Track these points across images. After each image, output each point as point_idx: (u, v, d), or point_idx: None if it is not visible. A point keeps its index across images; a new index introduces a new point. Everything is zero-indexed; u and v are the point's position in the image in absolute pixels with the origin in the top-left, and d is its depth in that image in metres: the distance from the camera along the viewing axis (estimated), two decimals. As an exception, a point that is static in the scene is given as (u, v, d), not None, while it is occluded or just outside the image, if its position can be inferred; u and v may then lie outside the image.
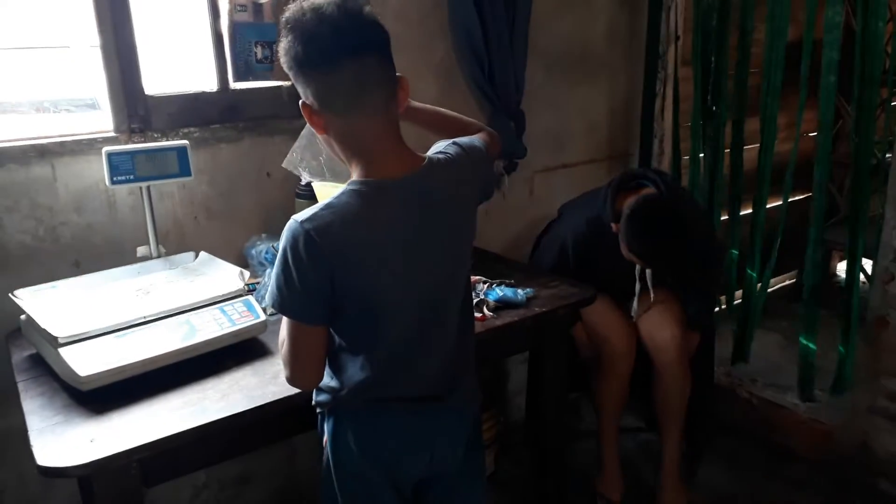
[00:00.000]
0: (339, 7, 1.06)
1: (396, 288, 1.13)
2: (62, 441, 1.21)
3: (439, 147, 1.23)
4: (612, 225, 1.99)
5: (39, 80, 1.77)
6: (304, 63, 1.07)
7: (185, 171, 1.72)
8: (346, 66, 1.05)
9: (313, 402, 1.27)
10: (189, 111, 1.85)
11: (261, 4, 1.85)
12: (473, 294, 1.69)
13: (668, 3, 2.63)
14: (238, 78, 1.88)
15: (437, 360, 1.22)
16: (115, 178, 1.63)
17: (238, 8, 1.82)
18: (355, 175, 1.13)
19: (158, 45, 1.82)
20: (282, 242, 1.09)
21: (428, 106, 1.40)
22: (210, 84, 1.88)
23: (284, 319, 1.15)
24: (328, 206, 1.09)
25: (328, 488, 1.28)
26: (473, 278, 1.78)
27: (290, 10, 1.08)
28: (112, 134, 1.76)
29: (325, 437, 1.27)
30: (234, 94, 1.90)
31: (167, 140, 1.79)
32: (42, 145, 1.67)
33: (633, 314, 2.19)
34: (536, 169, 2.55)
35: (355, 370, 1.19)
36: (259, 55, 1.89)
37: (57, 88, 1.80)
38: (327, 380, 1.23)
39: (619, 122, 2.77)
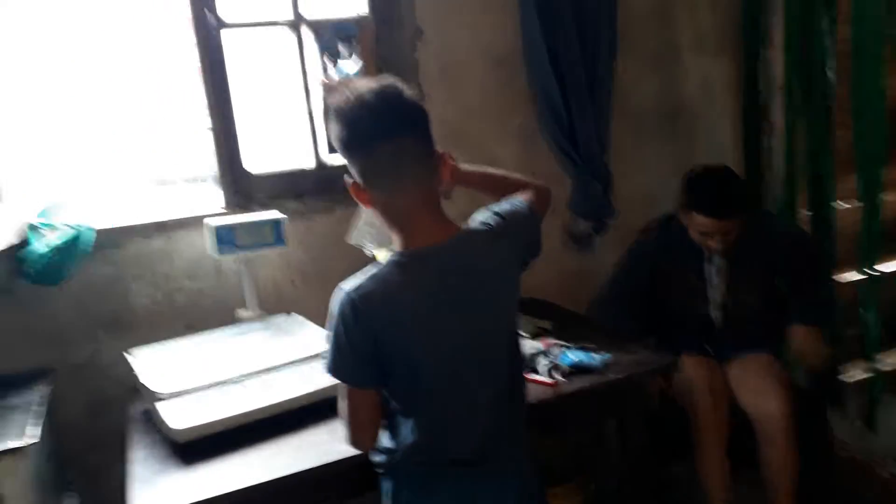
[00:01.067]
0: (377, 94, 1.16)
1: (432, 350, 1.19)
2: (157, 490, 1.35)
3: (479, 217, 1.29)
4: (680, 211, 2.05)
5: (157, 159, 2.03)
6: (348, 146, 1.18)
7: (279, 240, 1.88)
8: (383, 149, 1.16)
9: (373, 462, 1.34)
10: (286, 186, 2.04)
11: (350, 85, 2.02)
12: (547, 359, 1.72)
13: (769, 55, 2.56)
14: (330, 151, 2.04)
15: (482, 425, 1.25)
16: (220, 248, 1.82)
17: (329, 90, 1.99)
18: (396, 245, 1.22)
19: (260, 126, 2.03)
20: (332, 310, 1.19)
21: (477, 168, 1.49)
22: (307, 161, 2.06)
23: (339, 383, 1.24)
24: (372, 277, 1.18)
25: None
26: (548, 342, 1.80)
27: (336, 97, 1.20)
28: (219, 210, 1.97)
29: (384, 498, 1.33)
30: (327, 170, 2.07)
31: (269, 213, 1.97)
32: (161, 221, 1.91)
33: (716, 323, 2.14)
34: (633, 227, 2.52)
35: (407, 432, 1.24)
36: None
37: (172, 166, 2.05)
38: (385, 441, 1.29)
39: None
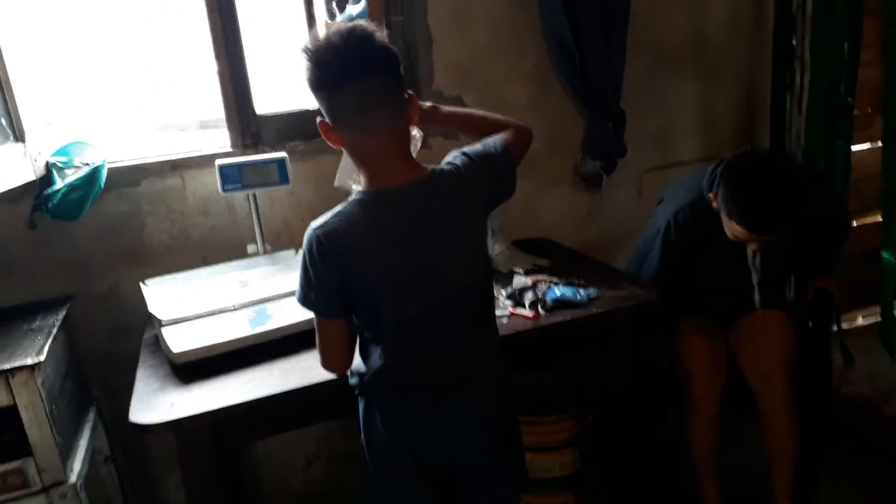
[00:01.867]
0: (343, 35, 1.19)
1: (395, 285, 1.25)
2: (153, 404, 1.48)
3: (447, 158, 1.33)
4: (710, 196, 1.78)
5: (165, 103, 2.12)
6: (316, 85, 1.22)
7: (284, 179, 1.95)
8: (348, 89, 1.19)
9: (351, 384, 1.42)
10: (294, 127, 2.10)
11: (354, 27, 2.04)
12: (532, 293, 1.76)
13: (802, -12, 2.45)
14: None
15: (447, 354, 1.31)
16: (226, 187, 1.92)
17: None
18: (363, 184, 1.28)
19: (268, 67, 2.09)
20: (303, 246, 1.26)
21: (456, 109, 1.53)
22: (312, 102, 2.11)
23: (310, 308, 1.31)
24: (337, 214, 1.25)
25: (362, 462, 1.43)
26: (534, 277, 1.84)
27: (309, 39, 1.23)
28: (229, 149, 2.06)
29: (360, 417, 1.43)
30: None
31: (276, 152, 2.05)
32: (174, 160, 2.01)
33: (756, 305, 1.95)
34: (646, 168, 2.51)
35: (375, 358, 1.32)
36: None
37: (181, 110, 2.15)
38: (358, 365, 1.38)
39: (742, 117, 2.62)
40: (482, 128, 1.47)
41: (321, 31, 1.23)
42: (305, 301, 1.29)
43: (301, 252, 1.27)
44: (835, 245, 2.12)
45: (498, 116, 1.51)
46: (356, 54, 1.19)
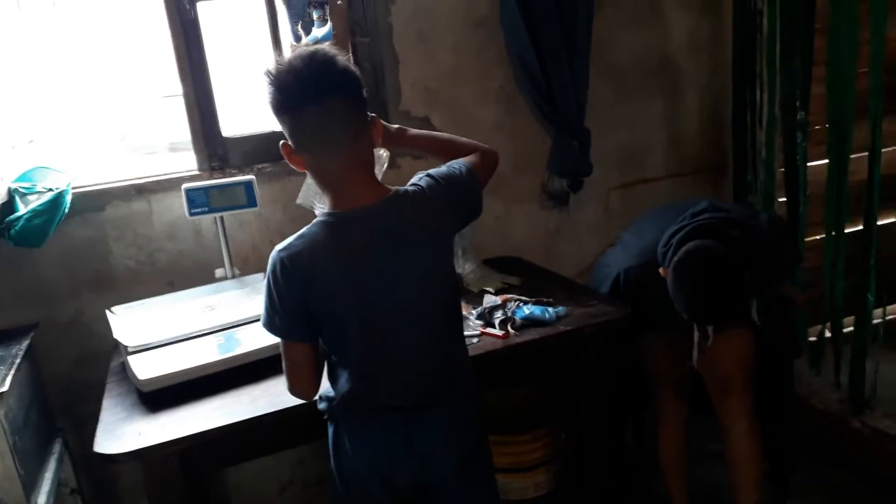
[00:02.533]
0: (305, 59, 1.20)
1: (359, 306, 1.25)
2: (118, 433, 1.46)
3: (413, 180, 1.34)
4: (661, 270, 1.78)
5: (129, 126, 2.11)
6: (278, 108, 1.22)
7: (252, 202, 1.95)
8: (310, 112, 1.20)
9: (319, 409, 1.41)
10: (262, 149, 2.10)
11: (320, 50, 2.06)
12: (502, 312, 1.77)
13: (759, 6, 2.52)
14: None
15: (413, 374, 1.31)
16: (192, 210, 1.91)
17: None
18: (327, 206, 1.28)
19: (234, 91, 2.09)
20: (267, 270, 1.26)
21: (423, 132, 1.54)
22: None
23: (276, 333, 1.30)
24: (300, 236, 1.25)
25: (333, 487, 1.42)
26: (504, 297, 1.85)
27: (271, 63, 1.24)
28: (196, 172, 2.05)
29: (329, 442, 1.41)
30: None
31: (243, 175, 2.04)
32: (140, 184, 1.99)
33: (694, 362, 1.94)
34: (612, 185, 2.55)
35: (343, 381, 1.32)
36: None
37: (146, 133, 2.13)
38: (326, 390, 1.37)
39: (706, 134, 2.67)
40: (449, 150, 1.48)
41: (284, 55, 1.25)
42: (270, 325, 1.28)
43: (266, 275, 1.26)
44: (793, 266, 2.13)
45: (464, 140, 1.52)
46: (318, 77, 1.20)
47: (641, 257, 1.90)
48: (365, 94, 1.27)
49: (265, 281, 1.26)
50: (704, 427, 2.12)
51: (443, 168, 1.38)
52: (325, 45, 1.27)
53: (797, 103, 2.36)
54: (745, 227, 1.81)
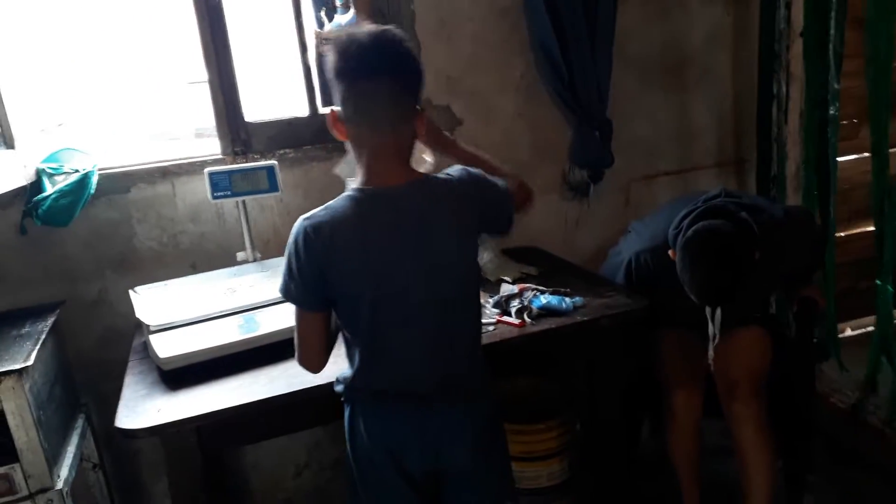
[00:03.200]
0: (371, 35, 1.23)
1: (372, 286, 1.25)
2: (139, 410, 1.48)
3: (449, 170, 1.35)
4: (670, 252, 1.78)
5: (154, 113, 2.14)
6: (337, 74, 1.24)
7: (273, 187, 1.97)
8: (364, 84, 1.23)
9: (336, 391, 1.42)
10: (284, 134, 2.13)
11: (344, 37, 2.07)
12: (518, 301, 1.78)
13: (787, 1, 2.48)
14: (325, 103, 2.12)
15: (426, 360, 1.32)
16: (215, 194, 1.93)
17: (322, 41, 2.05)
18: (358, 182, 1.29)
19: (258, 77, 2.11)
20: (290, 238, 1.27)
21: (473, 150, 1.54)
22: (302, 110, 2.14)
23: (290, 300, 1.31)
24: (326, 208, 1.26)
25: (348, 468, 1.43)
26: (521, 286, 1.85)
27: (339, 35, 1.27)
28: (220, 156, 2.08)
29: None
30: (323, 119, 2.13)
31: (265, 160, 2.06)
32: (164, 167, 2.03)
33: (709, 359, 1.91)
34: (633, 177, 2.54)
35: (357, 363, 1.33)
36: (345, 82, 2.12)
37: (170, 119, 2.16)
38: (343, 371, 1.39)
39: (728, 127, 2.65)
40: (490, 172, 1.43)
41: (352, 29, 1.28)
42: (286, 292, 1.30)
43: (288, 243, 1.27)
44: (814, 265, 2.13)
45: (509, 168, 1.51)
46: (379, 54, 1.23)
47: (652, 242, 1.91)
48: (422, 85, 1.29)
49: (287, 248, 1.27)
50: (721, 424, 2.10)
51: (482, 172, 1.38)
52: (396, 28, 1.28)
53: (828, 97, 2.34)
54: (757, 210, 1.79)
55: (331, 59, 1.24)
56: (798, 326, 2.11)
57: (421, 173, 1.31)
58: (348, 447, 1.41)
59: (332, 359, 1.38)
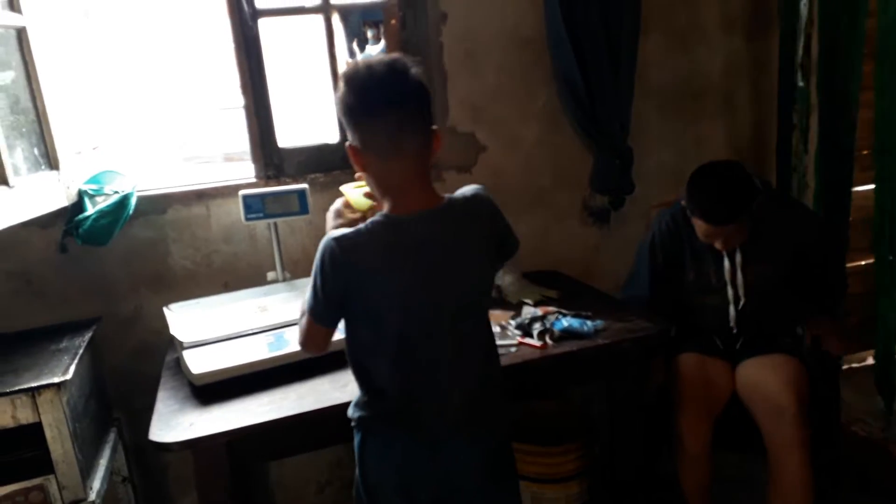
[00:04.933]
0: (387, 65, 1.27)
1: (397, 308, 1.28)
2: (172, 424, 1.54)
3: (463, 190, 1.38)
4: (682, 202, 1.98)
5: (187, 136, 2.22)
6: (354, 110, 1.27)
7: (304, 209, 2.04)
8: (387, 116, 1.25)
9: (348, 415, 1.42)
10: (315, 159, 2.20)
11: (373, 66, 2.15)
12: (541, 324, 1.81)
13: (808, 31, 2.53)
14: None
15: (444, 389, 1.34)
16: (248, 216, 2.00)
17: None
18: (385, 208, 1.32)
19: (291, 104, 2.19)
20: (317, 253, 1.29)
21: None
22: (333, 137, 2.21)
23: (307, 307, 1.34)
24: (356, 230, 1.28)
25: (357, 491, 1.44)
26: (544, 308, 1.89)
27: (349, 67, 1.30)
28: (253, 179, 2.15)
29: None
30: (352, 144, 2.21)
31: (297, 184, 2.13)
32: (200, 190, 2.10)
33: (730, 320, 2.04)
34: (653, 204, 2.57)
35: (378, 391, 1.35)
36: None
37: (202, 143, 2.24)
38: (360, 398, 1.40)
39: (747, 156, 2.68)
40: None
41: (359, 62, 1.29)
42: (309, 304, 1.32)
43: (315, 259, 1.29)
44: (835, 271, 2.13)
45: None
46: (398, 83, 1.25)
47: (670, 211, 2.12)
48: (431, 106, 1.32)
49: (314, 264, 1.29)
50: (732, 457, 2.08)
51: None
52: (399, 55, 1.30)
53: (844, 129, 2.37)
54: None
55: (345, 94, 1.26)
56: (822, 360, 2.12)
57: (443, 197, 1.34)
58: (357, 473, 1.42)
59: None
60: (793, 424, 1.84)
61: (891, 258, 2.25)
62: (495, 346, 1.46)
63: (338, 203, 1.50)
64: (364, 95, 1.25)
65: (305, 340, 1.40)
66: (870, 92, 2.25)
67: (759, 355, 2.01)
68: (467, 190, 1.38)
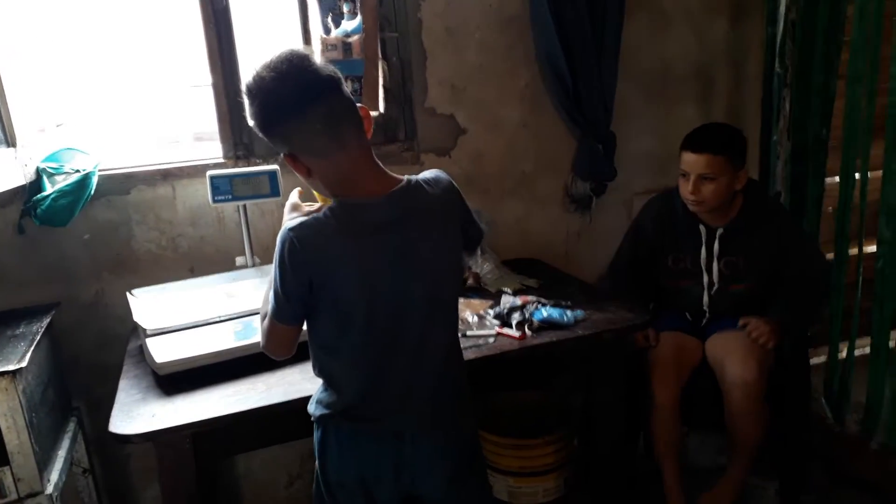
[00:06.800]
0: (286, 63, 1.16)
1: (369, 294, 1.21)
2: (133, 414, 1.46)
3: (425, 174, 1.31)
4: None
5: (156, 115, 2.12)
6: (276, 119, 1.18)
7: (275, 192, 1.96)
8: (316, 111, 1.16)
9: (309, 411, 1.36)
10: (287, 139, 2.10)
11: (349, 43, 2.06)
12: (520, 313, 1.76)
13: (792, 18, 2.49)
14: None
15: (407, 382, 1.28)
16: (216, 198, 1.91)
17: (328, 47, 2.04)
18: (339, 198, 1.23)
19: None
20: (276, 246, 1.22)
21: None
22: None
23: (270, 302, 1.27)
24: (314, 217, 1.20)
25: (317, 489, 1.40)
26: (525, 298, 1.84)
27: (250, 79, 1.19)
28: (221, 160, 2.06)
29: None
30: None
31: (267, 164, 2.05)
32: (165, 169, 2.01)
33: (704, 306, 2.17)
34: (636, 191, 2.53)
35: (341, 387, 1.29)
36: (349, 89, 2.11)
37: (176, 123, 2.15)
38: (321, 394, 1.34)
39: (731, 143, 2.64)
40: None
41: (255, 71, 1.19)
42: (271, 305, 1.26)
43: (274, 254, 1.22)
44: (805, 299, 2.14)
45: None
46: (309, 77, 1.17)
47: (663, 192, 2.23)
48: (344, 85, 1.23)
49: (274, 257, 1.22)
50: (716, 442, 2.11)
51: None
52: (292, 48, 1.20)
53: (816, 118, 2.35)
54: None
55: (259, 105, 1.17)
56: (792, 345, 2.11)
57: (400, 178, 1.26)
58: (318, 470, 1.37)
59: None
60: (741, 363, 1.97)
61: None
62: (458, 341, 1.39)
63: (294, 196, 1.40)
64: (278, 101, 1.16)
65: (270, 344, 1.32)
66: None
67: (726, 330, 2.11)
68: (428, 173, 1.31)
